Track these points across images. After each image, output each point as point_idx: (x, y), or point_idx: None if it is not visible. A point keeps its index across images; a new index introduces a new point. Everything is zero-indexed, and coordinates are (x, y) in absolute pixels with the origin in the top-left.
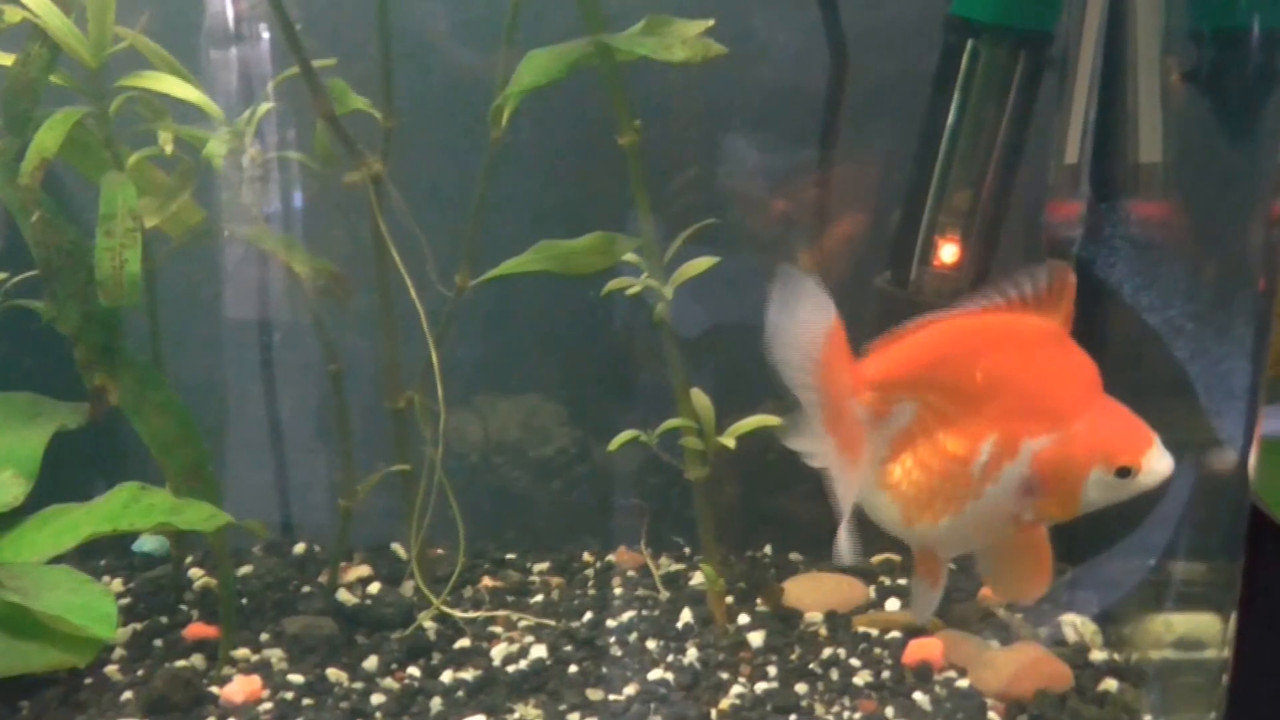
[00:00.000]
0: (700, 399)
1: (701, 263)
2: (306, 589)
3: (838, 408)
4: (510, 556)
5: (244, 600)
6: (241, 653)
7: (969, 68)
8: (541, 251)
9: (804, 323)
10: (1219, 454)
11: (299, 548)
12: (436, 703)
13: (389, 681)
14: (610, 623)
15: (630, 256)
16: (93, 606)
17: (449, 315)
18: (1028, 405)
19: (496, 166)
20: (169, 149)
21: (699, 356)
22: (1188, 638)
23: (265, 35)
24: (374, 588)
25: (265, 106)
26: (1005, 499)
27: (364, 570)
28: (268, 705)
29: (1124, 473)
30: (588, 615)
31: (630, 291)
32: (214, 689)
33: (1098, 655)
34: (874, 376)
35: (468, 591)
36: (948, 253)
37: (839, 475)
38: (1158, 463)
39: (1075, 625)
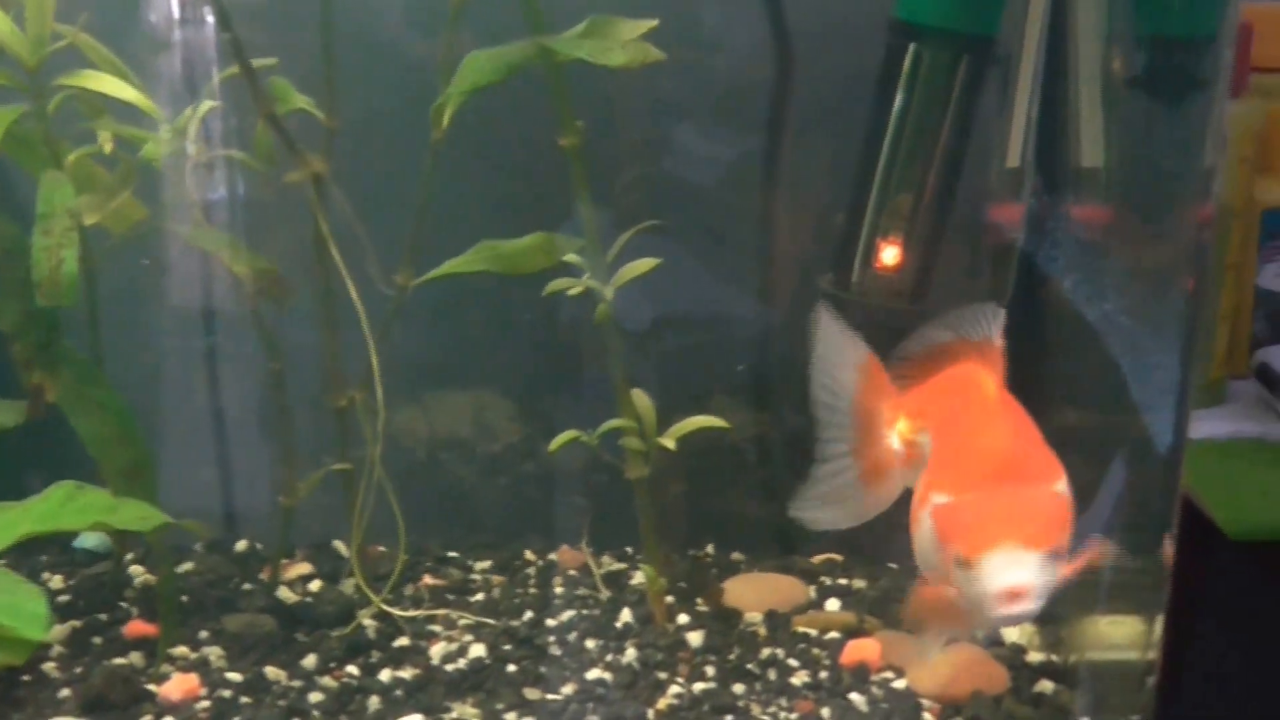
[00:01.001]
0: (641, 399)
1: (643, 264)
2: (247, 586)
3: (873, 441)
4: (453, 554)
5: (184, 598)
6: (180, 650)
7: (911, 71)
8: (482, 251)
9: (839, 362)
10: (1149, 451)
11: (241, 545)
12: (374, 701)
13: (327, 680)
14: (550, 622)
15: (573, 257)
16: (22, 607)
17: (391, 314)
18: (959, 458)
19: (441, 165)
20: (108, 148)
21: (646, 350)
22: (1118, 639)
23: (208, 34)
24: (315, 585)
25: (207, 105)
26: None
27: (305, 568)
28: (205, 703)
29: (962, 563)
30: (528, 614)
31: (572, 293)
32: (152, 687)
33: (1035, 657)
34: (909, 407)
35: (409, 590)
36: (890, 255)
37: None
38: (998, 571)
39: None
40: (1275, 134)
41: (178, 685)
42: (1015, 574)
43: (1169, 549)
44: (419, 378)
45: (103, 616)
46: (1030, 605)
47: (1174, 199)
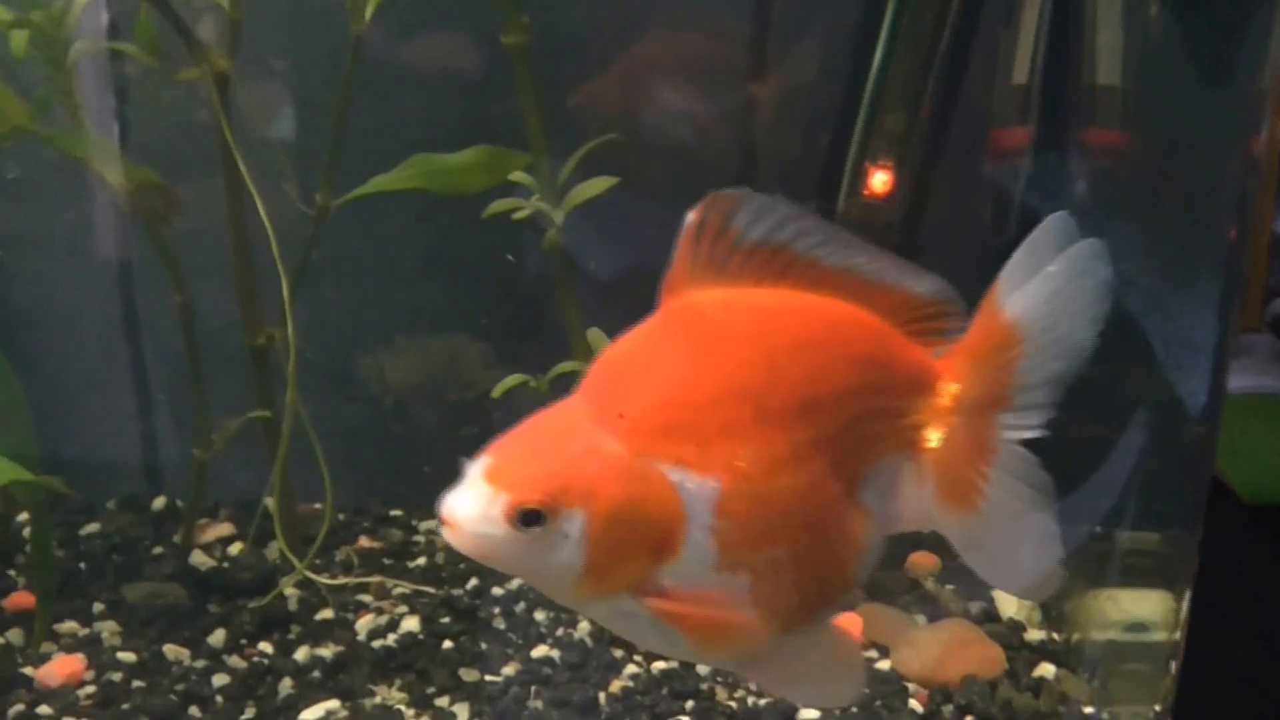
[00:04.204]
0: (598, 339)
1: (597, 183)
2: (159, 550)
3: None
4: (396, 514)
5: (81, 565)
6: (69, 626)
7: None
8: (415, 167)
9: None
10: (1178, 414)
11: (159, 503)
12: (286, 685)
13: (235, 659)
14: (496, 591)
15: (520, 176)
16: None
17: (311, 239)
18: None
19: (363, 70)
20: None
21: (614, 299)
22: (1134, 617)
23: None
24: (235, 548)
25: None
26: None
27: (226, 529)
28: (90, 688)
29: None
30: (472, 582)
31: (518, 215)
32: (28, 670)
33: (1034, 635)
34: None
35: (341, 554)
36: (879, 181)
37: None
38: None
39: (1013, 600)
40: None
41: (59, 668)
42: (453, 496)
43: (1199, 520)
44: (362, 320)
45: None
46: (460, 542)
47: (1214, 129)
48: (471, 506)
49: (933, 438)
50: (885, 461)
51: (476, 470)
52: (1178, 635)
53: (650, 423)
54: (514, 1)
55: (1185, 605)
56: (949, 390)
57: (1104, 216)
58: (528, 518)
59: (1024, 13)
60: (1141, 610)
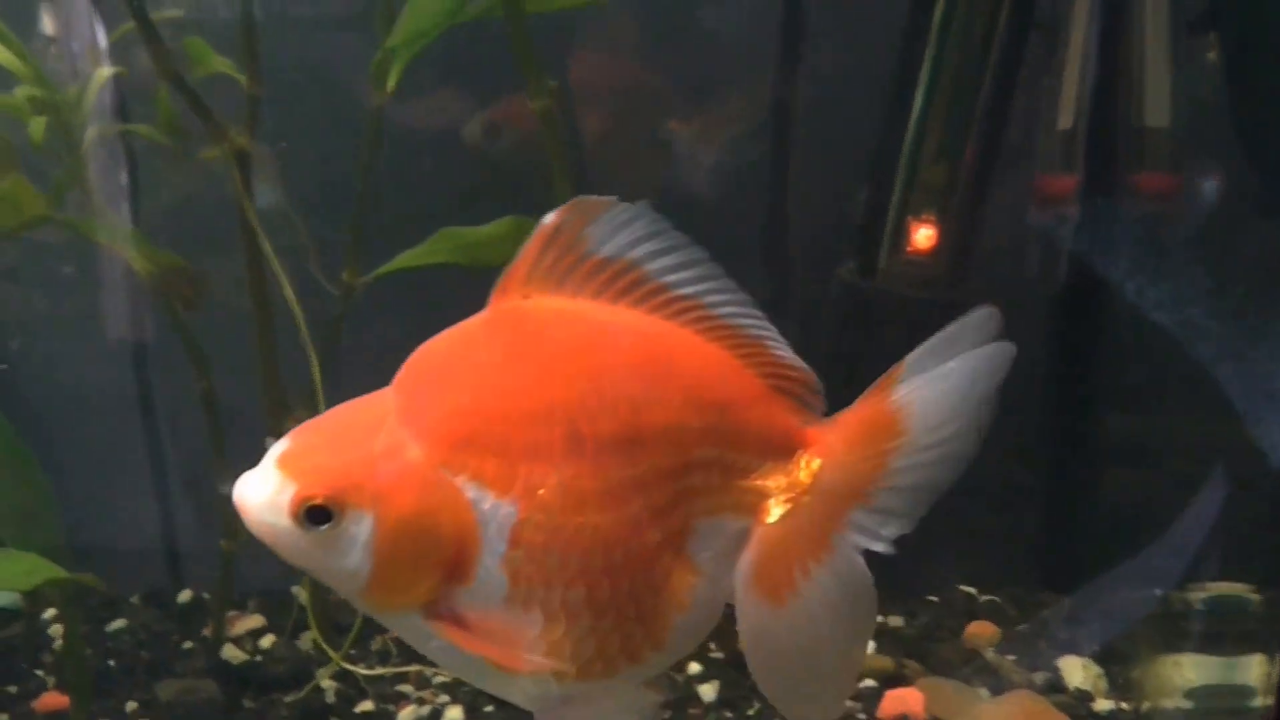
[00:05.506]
0: None
1: None
2: (188, 645)
3: None
4: None
5: (111, 662)
6: None
7: (945, 15)
8: (443, 241)
9: None
10: (1258, 465)
11: (184, 595)
12: None
13: None
14: None
15: None
16: None
17: (338, 319)
18: None
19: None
20: None
21: None
22: (1216, 683)
23: None
24: (266, 641)
25: (107, 72)
26: None
27: (256, 621)
28: None
29: None
30: None
31: None
32: None
33: (1103, 705)
34: None
35: (377, 643)
36: (922, 237)
37: None
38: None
39: (1078, 668)
40: None
41: None
42: (247, 476)
43: None
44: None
45: (12, 688)
46: (249, 526)
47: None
48: (260, 492)
49: (774, 510)
50: (727, 520)
51: (273, 454)
52: (1267, 701)
53: (455, 431)
54: (538, 66)
55: (1277, 669)
56: (810, 464)
57: (1159, 260)
58: (314, 514)
59: (1068, 56)
60: (1222, 676)
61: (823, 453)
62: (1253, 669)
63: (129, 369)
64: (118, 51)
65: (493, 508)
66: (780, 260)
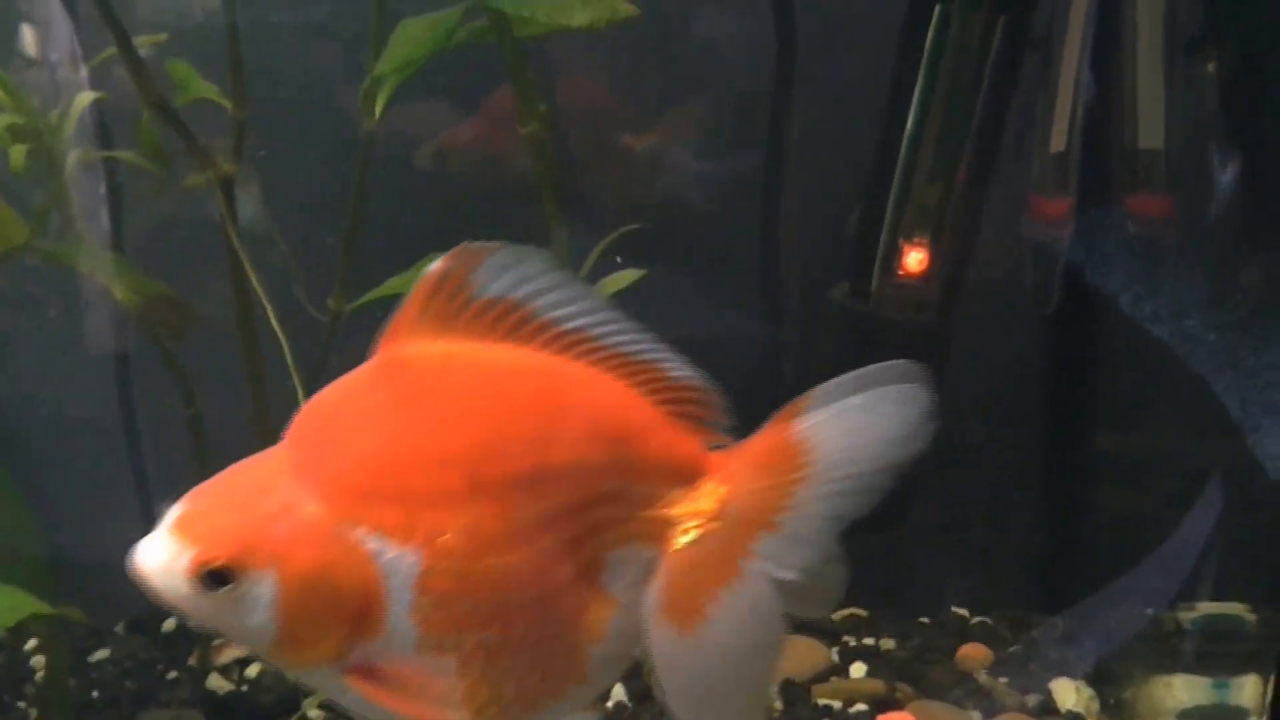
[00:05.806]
0: None
1: (624, 276)
2: (174, 674)
3: None
4: None
5: (95, 693)
6: None
7: (937, 39)
8: None
9: None
10: (1255, 480)
11: (169, 624)
12: None
13: None
14: None
15: None
16: None
17: (325, 346)
18: None
19: (374, 164)
20: None
21: None
22: (1208, 704)
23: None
24: (253, 670)
25: (88, 96)
26: None
27: (243, 650)
28: None
29: None
30: None
31: None
32: None
33: None
34: None
35: None
36: (914, 260)
37: None
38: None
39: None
40: None
41: None
42: (143, 543)
43: None
44: None
45: None
46: (151, 593)
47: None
48: (157, 558)
49: (681, 538)
50: (638, 549)
51: (168, 519)
52: None
53: (351, 483)
54: (530, 90)
55: (1270, 689)
56: (715, 491)
57: (1155, 279)
58: (214, 577)
59: (1061, 77)
60: (1215, 697)
61: (727, 480)
62: (1246, 690)
63: (112, 390)
64: (99, 71)
65: (396, 557)
66: (776, 282)
